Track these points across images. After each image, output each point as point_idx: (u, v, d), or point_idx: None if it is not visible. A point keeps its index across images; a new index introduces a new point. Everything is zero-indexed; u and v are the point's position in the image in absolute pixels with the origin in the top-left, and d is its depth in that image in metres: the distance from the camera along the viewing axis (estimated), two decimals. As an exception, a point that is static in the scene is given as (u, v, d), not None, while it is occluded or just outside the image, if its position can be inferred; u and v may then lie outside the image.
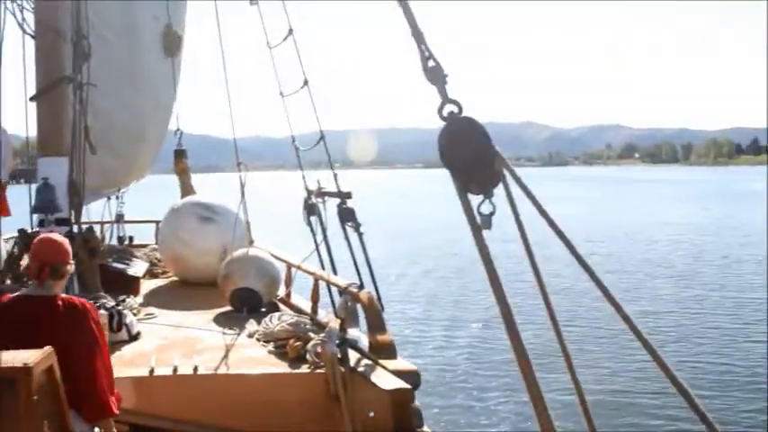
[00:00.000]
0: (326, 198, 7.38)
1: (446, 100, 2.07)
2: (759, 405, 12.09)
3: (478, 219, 2.03)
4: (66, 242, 4.03)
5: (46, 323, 3.74)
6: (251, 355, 5.72)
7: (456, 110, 2.06)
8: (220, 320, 6.95)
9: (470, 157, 2.02)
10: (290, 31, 7.62)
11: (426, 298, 21.24)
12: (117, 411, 3.94)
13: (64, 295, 3.92)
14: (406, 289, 22.69)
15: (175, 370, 5.17)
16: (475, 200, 2.07)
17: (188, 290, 8.67)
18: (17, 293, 3.92)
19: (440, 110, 2.08)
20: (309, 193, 7.65)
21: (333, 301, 7.08)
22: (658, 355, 1.79)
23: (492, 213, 2.05)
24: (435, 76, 2.09)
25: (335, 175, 7.38)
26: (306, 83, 7.63)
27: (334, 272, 7.39)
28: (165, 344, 6.01)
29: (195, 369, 5.20)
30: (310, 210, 7.68)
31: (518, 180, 2.04)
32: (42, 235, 4.24)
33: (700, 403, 1.81)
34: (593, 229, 40.13)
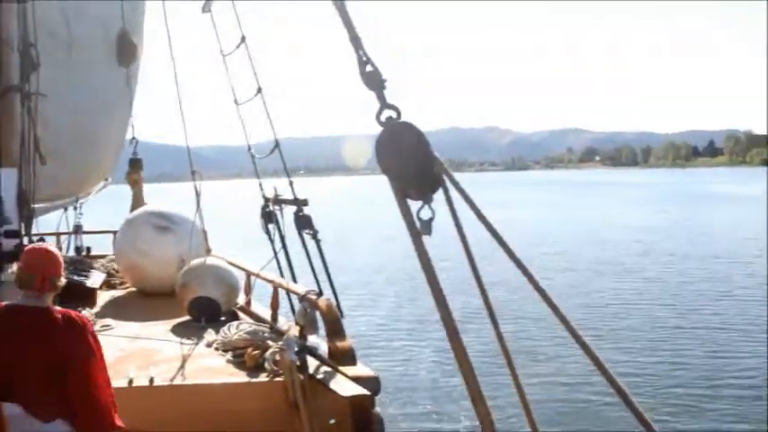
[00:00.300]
0: (284, 205, 7.32)
1: (384, 105, 2.06)
2: (697, 401, 12.58)
3: (418, 224, 2.03)
4: (59, 253, 4.02)
5: (43, 334, 3.69)
6: (209, 365, 5.66)
7: (395, 115, 2.06)
8: (178, 330, 6.86)
9: (409, 162, 2.01)
10: (243, 39, 7.57)
11: (388, 303, 21.36)
12: (122, 424, 3.89)
13: (59, 308, 3.87)
14: (369, 295, 22.79)
15: (131, 382, 5.09)
16: (416, 205, 2.06)
17: (145, 300, 8.56)
18: (6, 303, 3.84)
19: (378, 115, 2.07)
20: (266, 200, 7.59)
21: (293, 309, 7.03)
22: (594, 355, 1.81)
23: (431, 219, 2.04)
24: (373, 81, 2.08)
25: (291, 183, 7.34)
26: (259, 90, 7.58)
27: (294, 279, 7.34)
28: (122, 355, 5.92)
29: (151, 380, 5.13)
30: (267, 217, 7.62)
31: (456, 185, 2.04)
32: (35, 246, 4.18)
33: (635, 400, 1.84)
34: (552, 232, 42.02)
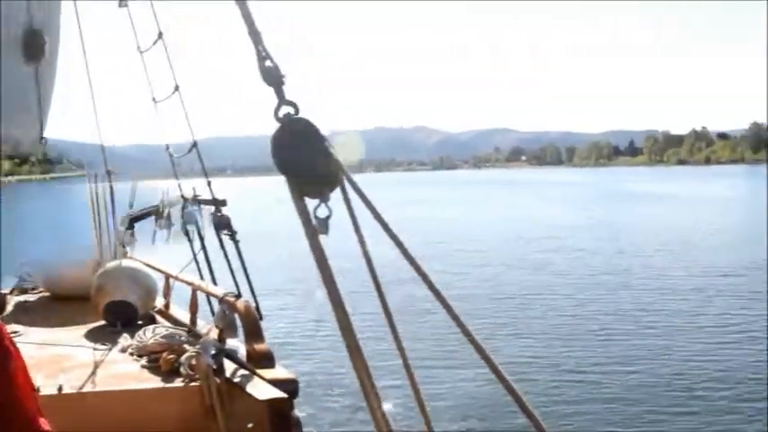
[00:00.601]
0: (203, 206, 7.19)
1: (282, 101, 2.02)
2: (587, 398, 13.33)
3: (315, 223, 1.99)
4: None
5: None
6: (122, 371, 5.49)
7: (293, 111, 2.02)
8: (92, 336, 6.64)
9: (305, 159, 1.98)
10: (160, 35, 7.40)
11: (309, 304, 21.32)
12: (49, 428, 3.71)
13: None
14: (290, 296, 22.78)
15: (38, 391, 4.88)
16: (313, 204, 2.03)
17: (59, 305, 8.25)
18: None
19: (276, 111, 2.03)
20: (185, 201, 7.44)
21: (213, 311, 6.91)
22: (487, 354, 1.82)
23: (328, 217, 2.01)
24: (272, 76, 2.03)
25: (209, 183, 7.21)
26: (177, 88, 7.41)
27: (214, 281, 7.22)
28: (31, 363, 5.62)
29: (60, 389, 4.94)
30: (187, 218, 7.47)
31: (353, 184, 2.01)
32: None
33: (526, 399, 1.86)
34: (473, 230, 44.15)
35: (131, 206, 7.94)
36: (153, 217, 7.91)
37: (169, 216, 7.53)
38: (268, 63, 2.03)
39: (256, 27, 2.05)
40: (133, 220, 7.50)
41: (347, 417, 11.43)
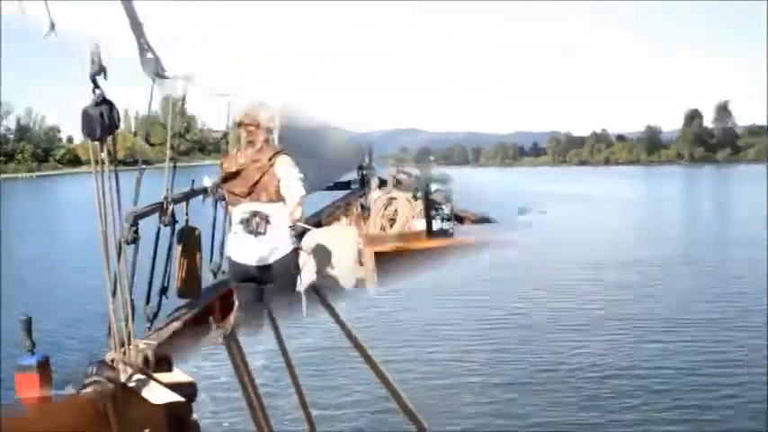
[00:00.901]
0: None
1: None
2: (463, 384, 13.95)
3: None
4: None
5: None
6: None
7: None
8: None
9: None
10: (52, 26, 7.10)
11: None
12: None
13: None
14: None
15: None
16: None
17: None
18: None
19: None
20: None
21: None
22: (367, 354, 1.82)
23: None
24: (152, 68, 1.98)
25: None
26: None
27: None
28: None
29: None
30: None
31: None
32: None
33: (402, 393, 1.87)
34: None
35: (135, 203, 7.62)
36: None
37: (173, 213, 7.31)
38: (149, 55, 1.98)
39: (138, 20, 1.99)
40: (137, 218, 7.19)
41: (249, 418, 11.32)
